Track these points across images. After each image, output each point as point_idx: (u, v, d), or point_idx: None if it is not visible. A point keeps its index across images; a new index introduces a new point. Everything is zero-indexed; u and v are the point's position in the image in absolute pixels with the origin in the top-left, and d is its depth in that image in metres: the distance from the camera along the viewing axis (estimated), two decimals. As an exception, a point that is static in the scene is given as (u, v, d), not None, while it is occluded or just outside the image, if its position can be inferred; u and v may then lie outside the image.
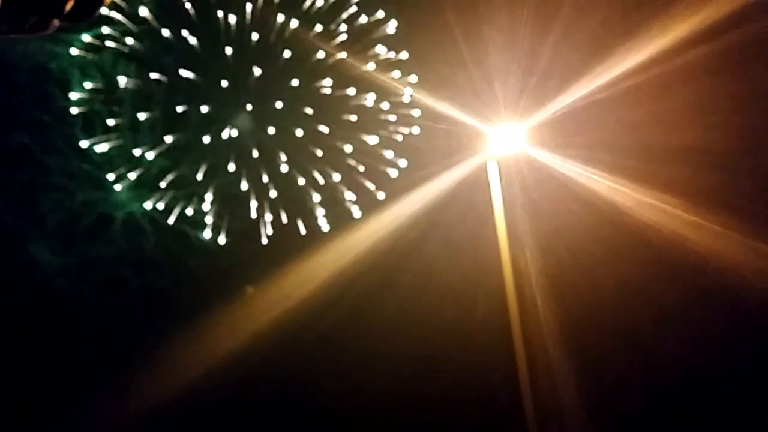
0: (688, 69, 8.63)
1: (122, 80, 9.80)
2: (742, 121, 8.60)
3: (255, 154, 9.96)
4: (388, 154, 10.05)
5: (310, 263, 9.56)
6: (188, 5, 9.63)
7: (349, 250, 9.67)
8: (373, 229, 9.74)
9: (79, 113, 9.88)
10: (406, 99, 9.94)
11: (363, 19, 10.03)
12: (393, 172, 10.03)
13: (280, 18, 9.87)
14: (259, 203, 10.00)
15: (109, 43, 9.89)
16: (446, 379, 9.34)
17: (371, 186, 10.06)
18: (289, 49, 9.87)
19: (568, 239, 9.35)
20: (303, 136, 9.83)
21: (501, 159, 9.61)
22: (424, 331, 9.48)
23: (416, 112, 10.01)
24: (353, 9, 10.14)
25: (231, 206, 9.99)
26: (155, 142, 9.90)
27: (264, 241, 10.04)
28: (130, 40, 9.78)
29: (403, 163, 9.98)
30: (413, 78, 9.96)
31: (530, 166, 9.57)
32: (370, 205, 9.88)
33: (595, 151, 9.33)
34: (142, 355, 8.97)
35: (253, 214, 9.97)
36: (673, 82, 8.77)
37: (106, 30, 9.72)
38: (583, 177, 9.32)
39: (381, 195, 9.95)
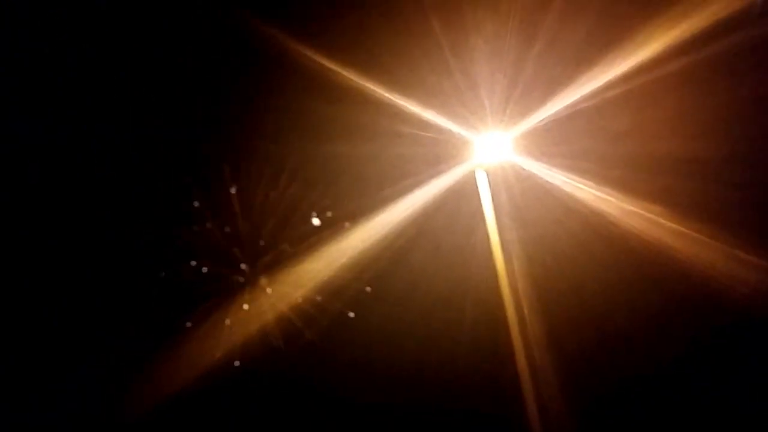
0: (673, 79, 8.77)
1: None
2: (727, 130, 8.77)
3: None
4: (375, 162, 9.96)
5: (295, 271, 9.37)
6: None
7: (335, 258, 9.51)
8: (360, 238, 9.61)
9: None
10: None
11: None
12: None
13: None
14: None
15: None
16: (434, 388, 9.21)
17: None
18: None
19: (554, 248, 9.36)
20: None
21: (487, 167, 9.60)
22: (411, 340, 9.35)
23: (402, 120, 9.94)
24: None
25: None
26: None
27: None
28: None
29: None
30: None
31: (516, 174, 9.58)
32: (355, 214, 9.75)
33: (581, 160, 9.40)
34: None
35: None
36: (658, 92, 8.90)
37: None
38: (569, 186, 9.37)
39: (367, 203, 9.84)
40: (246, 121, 10.14)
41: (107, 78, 9.51)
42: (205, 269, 9.44)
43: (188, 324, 9.11)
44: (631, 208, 8.97)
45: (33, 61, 9.56)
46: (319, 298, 9.45)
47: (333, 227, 9.77)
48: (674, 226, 8.71)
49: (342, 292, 9.54)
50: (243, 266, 9.48)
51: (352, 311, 9.30)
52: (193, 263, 9.42)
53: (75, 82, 9.59)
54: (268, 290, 9.55)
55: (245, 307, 9.33)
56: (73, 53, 9.39)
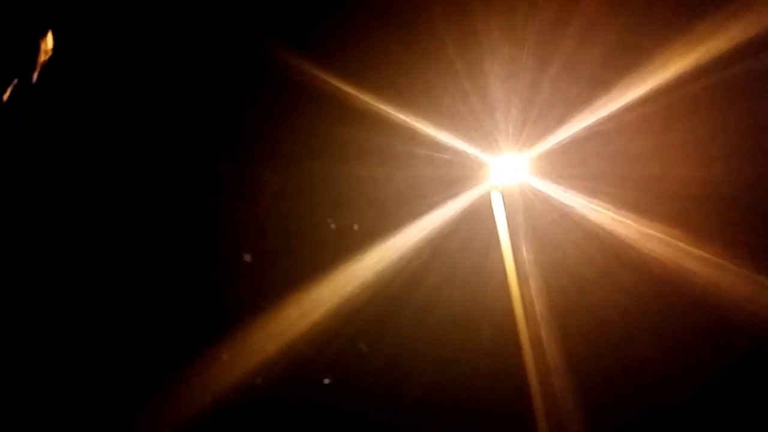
0: (693, 101, 8.69)
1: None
2: (748, 153, 8.65)
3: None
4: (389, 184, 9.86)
5: (308, 295, 9.22)
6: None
7: (349, 281, 9.37)
8: (374, 261, 9.47)
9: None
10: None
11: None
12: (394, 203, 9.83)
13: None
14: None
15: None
16: (448, 414, 9.01)
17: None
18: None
19: (572, 271, 9.21)
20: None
21: (503, 189, 9.48)
22: (425, 365, 9.17)
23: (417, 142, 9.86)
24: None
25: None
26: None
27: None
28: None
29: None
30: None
31: (533, 196, 9.46)
32: (370, 236, 9.62)
33: (599, 182, 9.28)
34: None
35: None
36: (678, 114, 8.81)
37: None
38: (586, 208, 9.24)
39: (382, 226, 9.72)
40: (259, 142, 10.09)
41: (128, 95, 9.47)
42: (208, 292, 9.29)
43: (189, 350, 8.95)
44: (651, 231, 8.82)
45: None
46: (330, 322, 9.29)
47: (345, 249, 9.64)
48: (696, 250, 8.55)
49: (354, 316, 9.37)
50: (249, 289, 9.34)
51: (365, 335, 9.12)
52: (200, 286, 9.28)
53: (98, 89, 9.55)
54: (277, 314, 9.40)
55: (253, 335, 9.16)
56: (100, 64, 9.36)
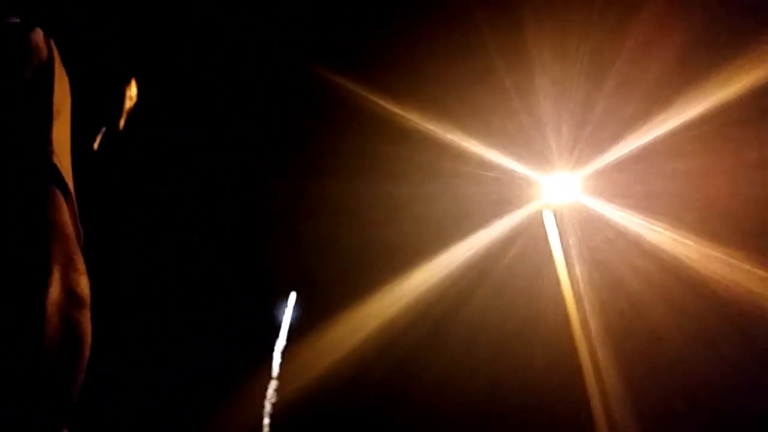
0: (755, 119, 8.45)
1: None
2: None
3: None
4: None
5: (357, 313, 9.04)
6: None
7: (399, 299, 9.17)
8: (421, 280, 9.27)
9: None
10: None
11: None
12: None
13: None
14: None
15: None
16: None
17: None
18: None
19: (629, 292, 8.88)
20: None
21: (555, 208, 9.26)
22: (476, 386, 8.86)
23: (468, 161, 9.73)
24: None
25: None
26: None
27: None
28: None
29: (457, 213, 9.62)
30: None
31: (586, 215, 9.20)
32: (418, 255, 9.45)
33: (655, 201, 9.02)
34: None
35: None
36: (738, 133, 8.56)
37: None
38: (643, 228, 8.95)
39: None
40: (309, 161, 10.05)
41: (186, 115, 9.51)
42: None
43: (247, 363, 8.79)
44: (712, 252, 8.49)
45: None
46: (379, 341, 9.09)
47: (393, 267, 9.47)
48: (761, 272, 8.18)
49: (404, 335, 9.16)
50: (303, 308, 9.22)
51: (414, 355, 8.88)
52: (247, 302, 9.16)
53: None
54: (326, 333, 9.23)
55: (305, 352, 9.00)
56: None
